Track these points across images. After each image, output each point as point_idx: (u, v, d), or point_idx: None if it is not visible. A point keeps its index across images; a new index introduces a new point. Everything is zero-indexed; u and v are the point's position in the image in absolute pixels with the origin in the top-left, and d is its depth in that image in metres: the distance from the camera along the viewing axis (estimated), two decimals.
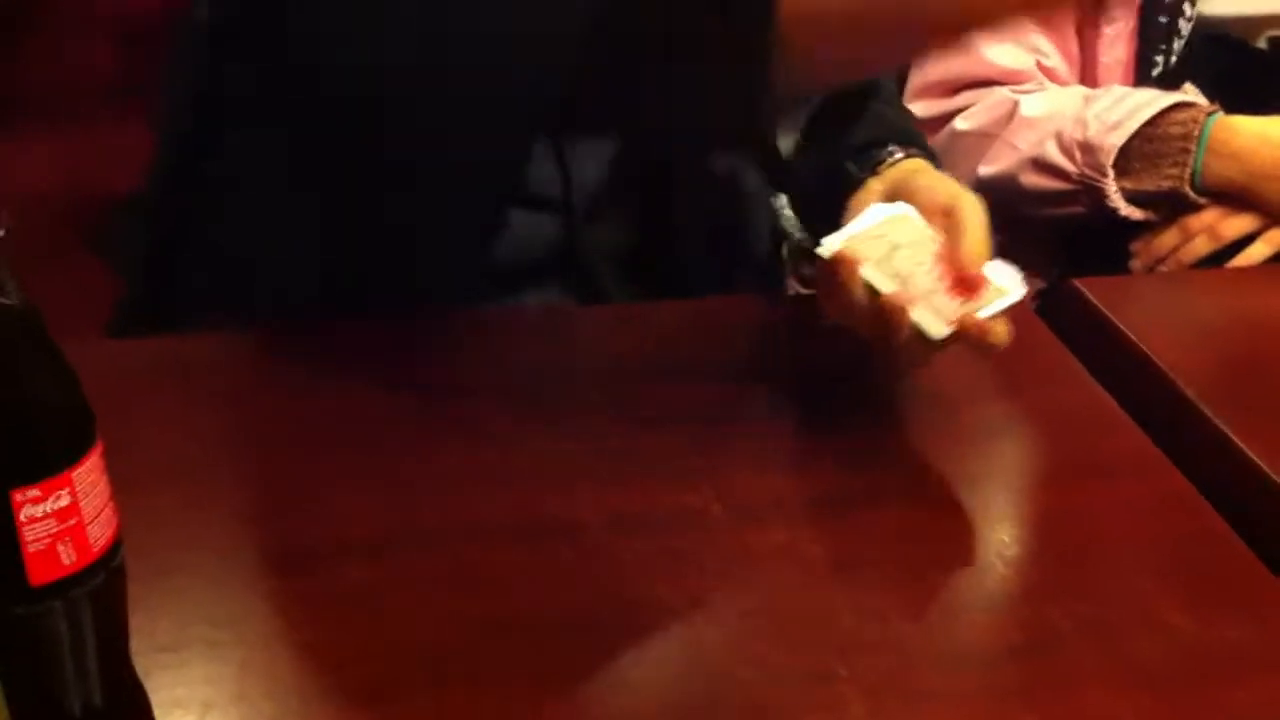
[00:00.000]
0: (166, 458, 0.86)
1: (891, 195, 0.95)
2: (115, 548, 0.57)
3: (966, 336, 0.84)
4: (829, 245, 0.88)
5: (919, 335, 0.84)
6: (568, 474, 0.85)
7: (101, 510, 0.56)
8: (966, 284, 0.86)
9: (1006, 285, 0.87)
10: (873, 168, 0.99)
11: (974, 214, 0.90)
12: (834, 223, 0.94)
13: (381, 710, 0.68)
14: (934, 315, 0.84)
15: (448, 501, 0.82)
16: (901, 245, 0.88)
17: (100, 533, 0.56)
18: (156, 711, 0.64)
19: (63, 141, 1.00)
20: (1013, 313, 0.86)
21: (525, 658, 0.71)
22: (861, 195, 0.97)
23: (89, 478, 0.55)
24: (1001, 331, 0.85)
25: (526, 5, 0.98)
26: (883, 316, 0.86)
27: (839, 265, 0.88)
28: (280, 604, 0.75)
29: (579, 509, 0.81)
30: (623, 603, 0.75)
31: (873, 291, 0.86)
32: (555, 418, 0.90)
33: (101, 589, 0.57)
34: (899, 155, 0.99)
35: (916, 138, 1.04)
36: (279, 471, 0.86)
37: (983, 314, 0.84)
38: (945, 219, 0.90)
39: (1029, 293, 0.88)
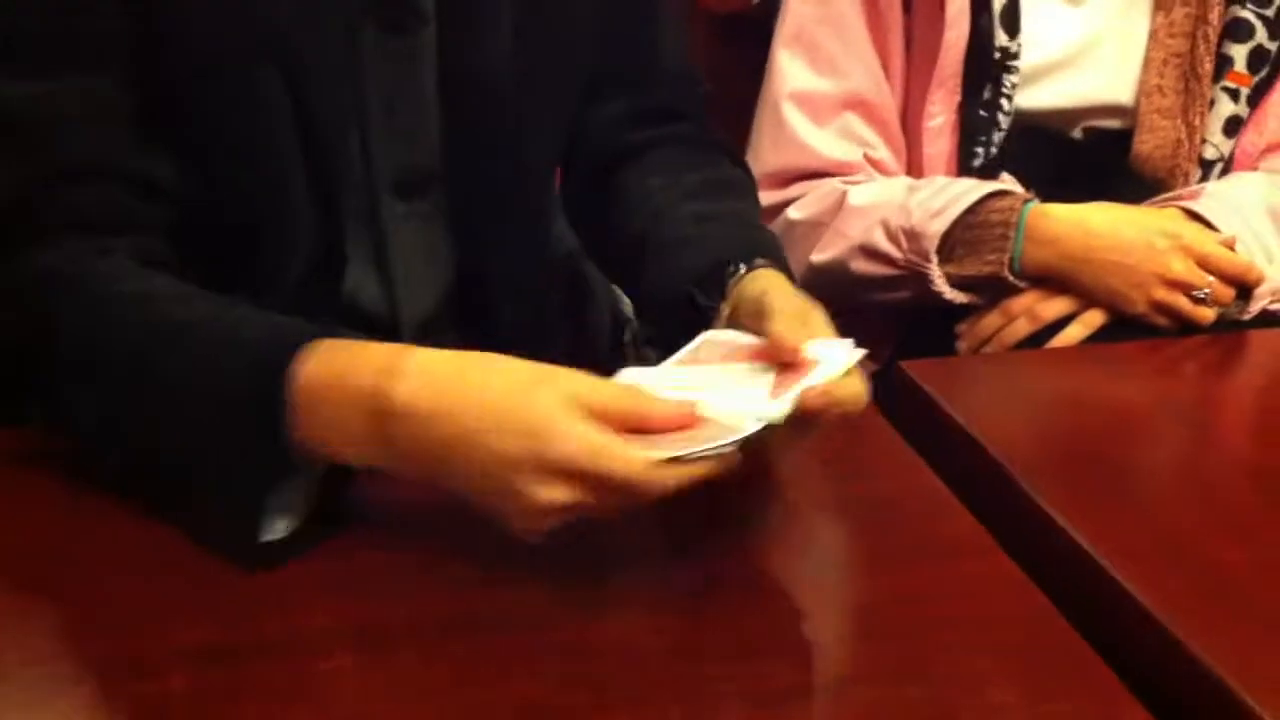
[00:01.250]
0: None
1: (743, 314, 0.95)
2: None
3: (812, 407, 0.83)
4: (626, 375, 0.87)
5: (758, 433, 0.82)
6: (405, 577, 0.84)
7: None
8: (789, 367, 0.86)
9: (837, 355, 0.87)
10: (720, 294, 0.98)
11: (780, 301, 0.91)
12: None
13: None
14: (759, 408, 0.83)
15: (286, 609, 0.81)
16: (714, 359, 0.90)
17: None
18: None
19: None
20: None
21: None
22: (715, 325, 0.96)
23: None
24: (854, 390, 0.86)
25: None
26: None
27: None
28: (103, 713, 0.73)
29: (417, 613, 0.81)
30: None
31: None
32: (395, 522, 0.89)
33: None
34: (740, 271, 0.98)
35: (762, 246, 1.03)
36: (107, 578, 0.83)
37: (810, 383, 0.84)
38: (755, 320, 0.91)
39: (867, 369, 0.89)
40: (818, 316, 0.92)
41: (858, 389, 0.86)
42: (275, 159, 0.99)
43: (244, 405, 0.83)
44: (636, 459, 0.77)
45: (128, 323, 0.89)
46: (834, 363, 0.86)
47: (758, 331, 0.91)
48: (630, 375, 0.87)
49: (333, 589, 0.82)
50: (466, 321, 1.15)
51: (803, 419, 0.83)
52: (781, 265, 1.01)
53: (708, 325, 0.97)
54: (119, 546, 0.86)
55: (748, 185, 1.22)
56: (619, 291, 1.39)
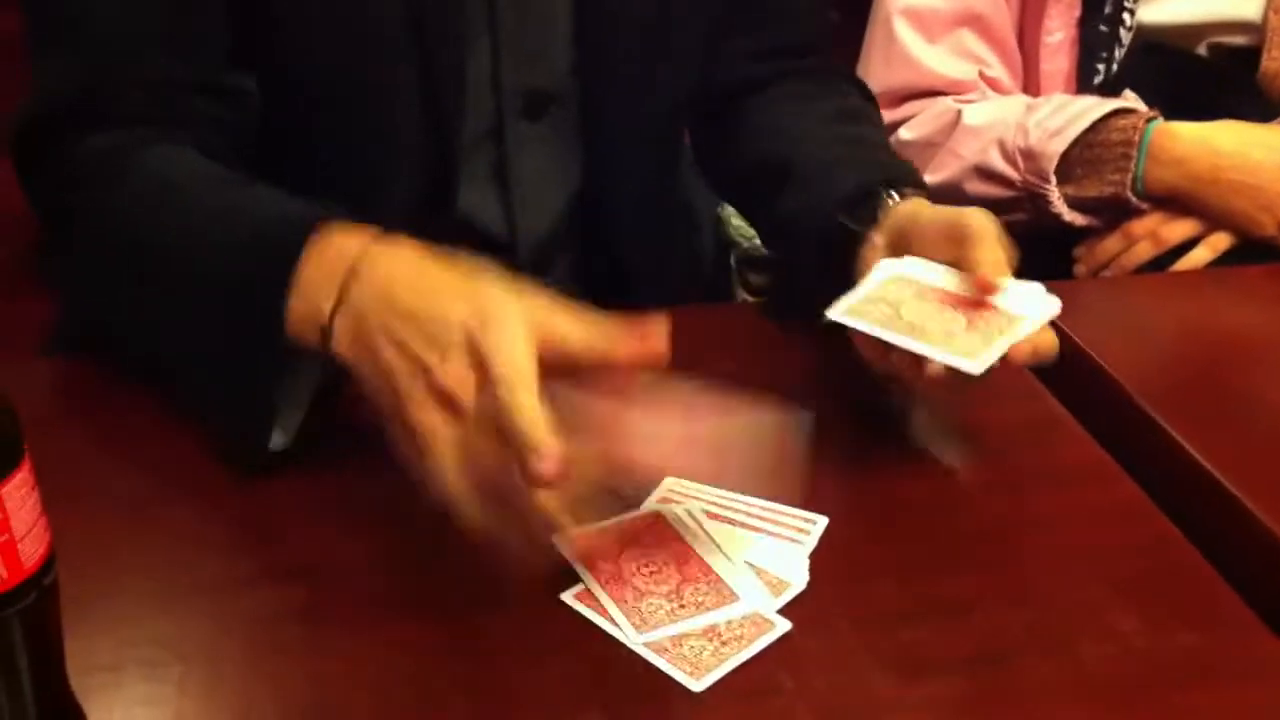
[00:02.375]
0: (105, 479, 0.85)
1: (895, 243, 0.92)
2: (48, 565, 0.55)
3: (1017, 361, 0.83)
4: (834, 313, 0.87)
5: (956, 375, 0.82)
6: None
7: (33, 527, 0.54)
8: (982, 305, 0.85)
9: (1031, 305, 0.86)
10: (872, 219, 0.95)
11: (982, 225, 0.88)
12: (837, 278, 0.92)
13: None
14: (962, 354, 0.82)
15: (391, 526, 0.81)
16: (905, 299, 0.87)
17: (32, 550, 0.54)
18: None
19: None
20: None
21: (471, 680, 0.70)
22: (866, 252, 0.93)
23: (19, 493, 0.53)
24: (1050, 342, 0.85)
25: None
26: (905, 370, 0.85)
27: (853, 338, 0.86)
28: (220, 625, 0.73)
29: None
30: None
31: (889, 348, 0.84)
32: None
33: (34, 607, 0.55)
34: (894, 199, 0.96)
35: (906, 174, 1.01)
36: (220, 493, 0.84)
37: (1019, 337, 0.83)
38: (954, 245, 0.88)
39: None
40: (977, 219, 0.89)
41: (1053, 341, 0.85)
42: (388, 75, 0.99)
43: (249, 298, 0.82)
44: (542, 419, 0.70)
45: (148, 210, 0.89)
46: (1036, 314, 0.85)
47: (953, 257, 0.88)
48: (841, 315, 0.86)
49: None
50: (584, 244, 1.15)
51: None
52: (924, 189, 0.99)
53: (855, 251, 0.94)
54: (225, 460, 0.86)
55: (876, 115, 1.20)
56: (725, 219, 1.38)
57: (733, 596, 0.75)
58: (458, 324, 0.73)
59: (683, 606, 0.74)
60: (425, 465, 0.73)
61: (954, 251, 0.88)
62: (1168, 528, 0.84)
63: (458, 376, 0.73)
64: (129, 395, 0.92)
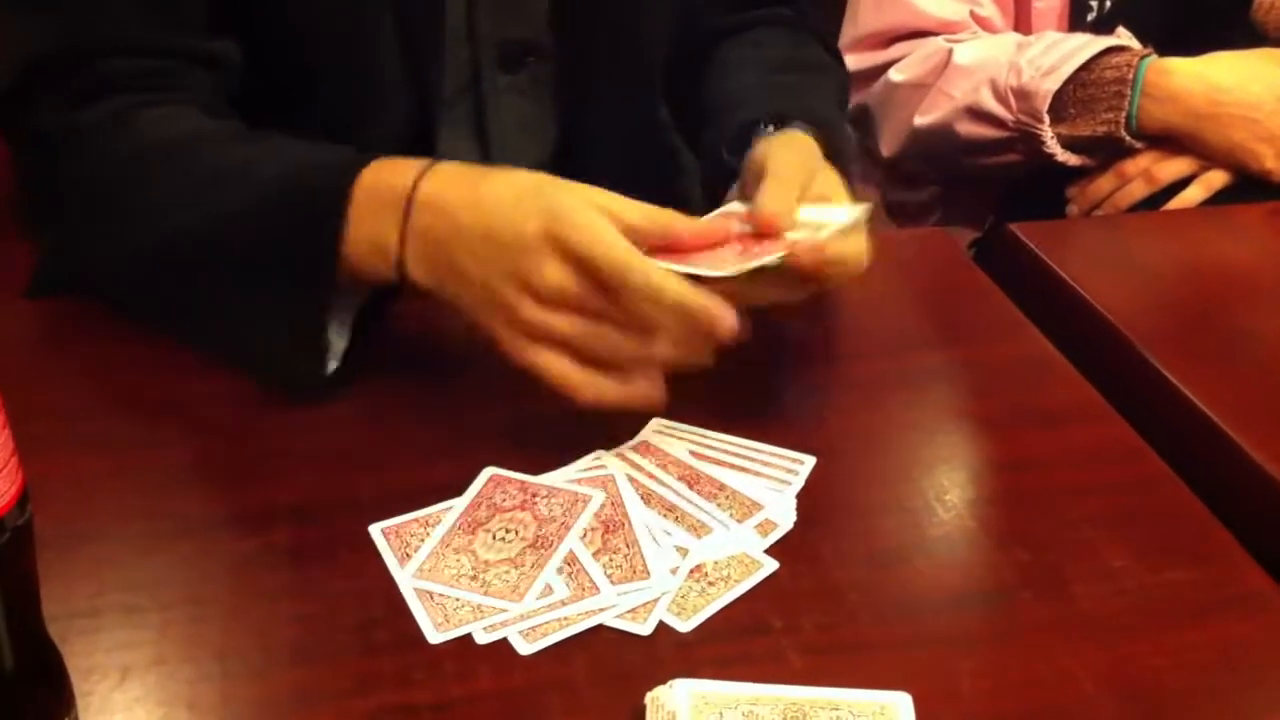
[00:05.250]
0: (85, 422, 0.84)
1: (755, 179, 0.87)
2: (21, 504, 0.54)
3: (801, 263, 0.79)
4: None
5: (761, 274, 0.78)
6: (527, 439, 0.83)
7: (4, 465, 0.53)
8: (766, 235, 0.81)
9: (836, 216, 0.83)
10: (742, 152, 0.93)
11: (781, 164, 0.86)
12: None
13: (304, 673, 0.66)
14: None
15: (382, 470, 0.80)
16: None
17: (4, 488, 0.53)
18: (74, 677, 0.62)
19: None
20: (949, 260, 0.84)
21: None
22: (736, 189, 0.92)
23: None
24: (853, 249, 0.82)
25: None
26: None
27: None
28: (200, 568, 0.72)
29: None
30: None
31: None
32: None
33: (7, 547, 0.53)
34: (768, 132, 0.94)
35: (799, 111, 0.97)
36: (202, 437, 0.83)
37: (800, 238, 0.80)
38: (755, 184, 0.86)
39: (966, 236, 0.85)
40: (827, 180, 0.88)
41: (856, 248, 0.82)
42: (367, 27, 0.97)
43: (301, 236, 0.82)
44: (650, 262, 0.74)
45: (182, 151, 0.88)
46: (829, 224, 0.82)
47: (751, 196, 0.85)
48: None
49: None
50: None
51: (799, 275, 0.80)
52: (832, 135, 0.95)
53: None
54: (211, 404, 0.85)
55: (832, 70, 1.18)
56: None
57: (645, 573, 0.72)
58: (535, 232, 0.75)
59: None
60: (544, 369, 0.76)
61: (753, 191, 0.85)
62: (1159, 466, 0.83)
63: (558, 281, 0.75)
64: (111, 338, 0.91)
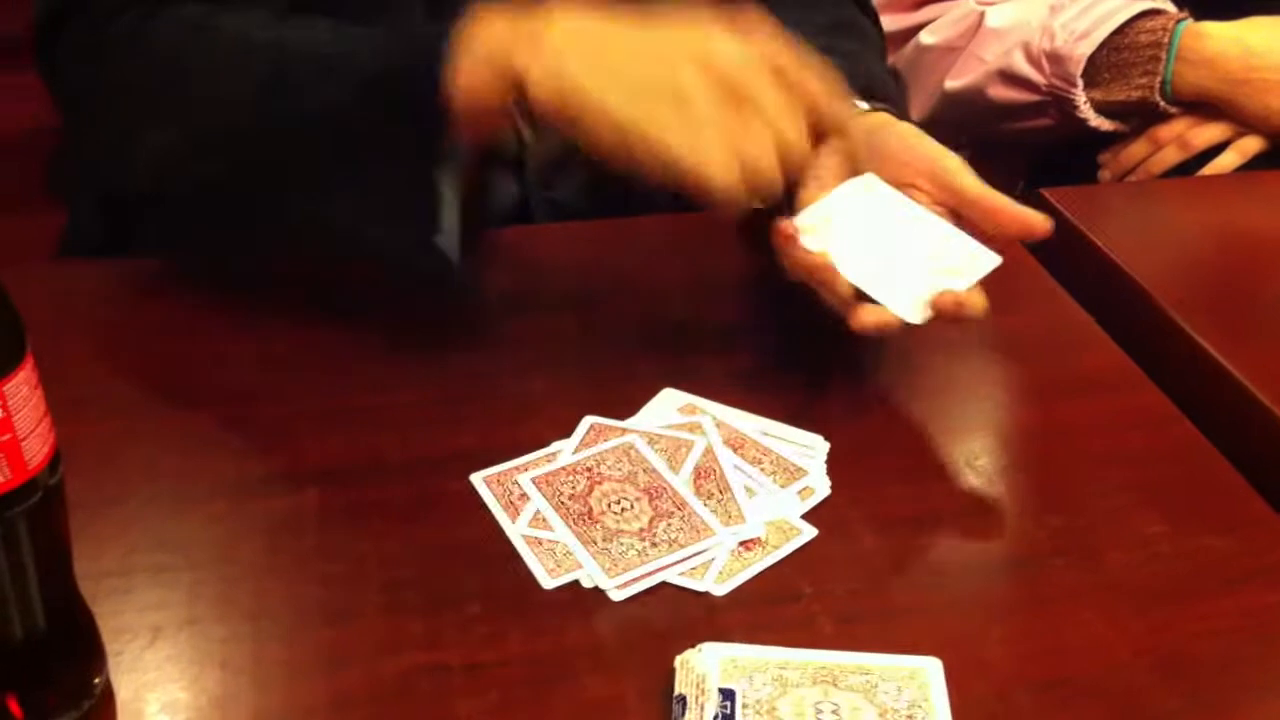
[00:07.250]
0: (114, 384, 0.84)
1: (855, 152, 0.88)
2: (53, 465, 0.54)
3: (942, 313, 0.79)
4: (799, 224, 0.83)
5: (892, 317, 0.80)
6: (535, 402, 0.83)
7: (37, 426, 0.53)
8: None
9: (983, 260, 0.82)
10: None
11: (960, 167, 0.86)
12: None
13: (333, 633, 0.66)
14: (909, 300, 0.79)
15: (408, 433, 0.80)
16: (867, 216, 0.84)
17: (37, 449, 0.53)
18: (105, 637, 0.62)
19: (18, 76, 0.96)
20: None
21: (478, 584, 0.69)
22: (824, 156, 0.89)
23: (21, 391, 0.52)
24: (978, 303, 0.80)
25: None
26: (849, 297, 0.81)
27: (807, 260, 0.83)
28: (230, 528, 0.73)
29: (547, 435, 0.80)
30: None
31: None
32: (523, 346, 0.87)
33: (39, 507, 0.54)
34: (863, 108, 0.93)
35: (881, 87, 0.98)
36: (230, 398, 0.83)
37: (961, 286, 0.80)
38: (932, 184, 0.86)
39: None
40: (955, 161, 0.87)
41: (982, 304, 0.81)
42: None
43: (406, 78, 0.80)
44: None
45: (251, 37, 0.86)
46: (976, 269, 0.82)
47: (937, 195, 0.86)
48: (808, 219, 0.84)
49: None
50: (593, 165, 1.12)
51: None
52: (899, 111, 0.96)
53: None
54: (240, 365, 0.85)
55: (870, 31, 1.16)
56: None
57: (707, 530, 0.73)
58: (694, 31, 0.76)
59: (654, 545, 0.72)
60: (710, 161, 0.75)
61: (934, 189, 0.86)
62: (1193, 433, 0.83)
63: (739, 48, 0.75)
64: (139, 300, 0.91)
